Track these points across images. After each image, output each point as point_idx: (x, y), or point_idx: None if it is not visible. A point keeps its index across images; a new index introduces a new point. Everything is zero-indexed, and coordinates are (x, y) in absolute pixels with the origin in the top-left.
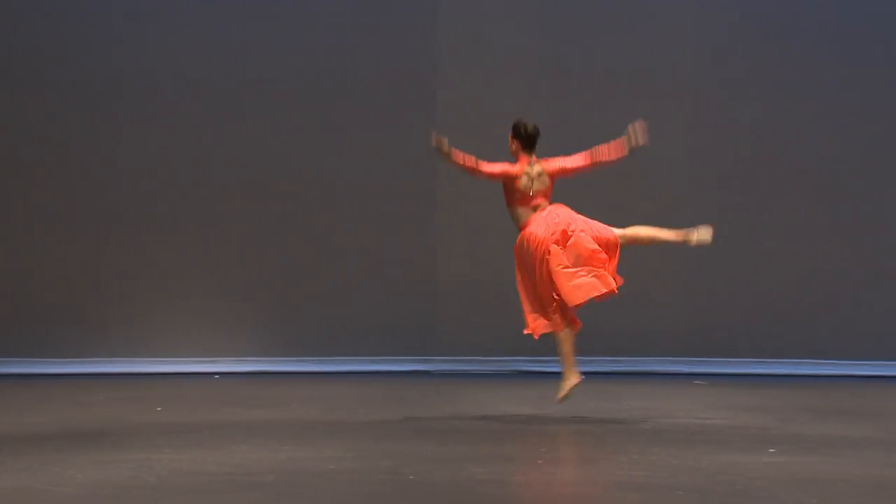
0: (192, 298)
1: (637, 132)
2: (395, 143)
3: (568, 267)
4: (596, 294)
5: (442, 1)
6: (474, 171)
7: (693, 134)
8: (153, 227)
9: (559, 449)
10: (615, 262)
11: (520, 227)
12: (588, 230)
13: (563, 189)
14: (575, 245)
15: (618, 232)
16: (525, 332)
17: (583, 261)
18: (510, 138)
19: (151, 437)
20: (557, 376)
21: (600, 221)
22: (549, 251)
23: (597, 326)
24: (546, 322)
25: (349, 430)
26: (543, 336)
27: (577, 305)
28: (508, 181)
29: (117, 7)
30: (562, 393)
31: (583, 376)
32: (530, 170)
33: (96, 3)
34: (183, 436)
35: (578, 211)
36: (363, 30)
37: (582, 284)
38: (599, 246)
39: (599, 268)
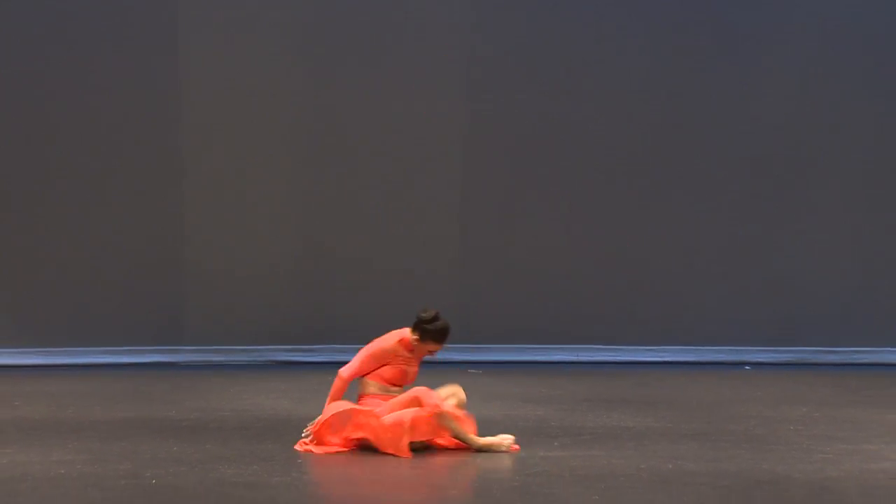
0: None
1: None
2: (142, 131)
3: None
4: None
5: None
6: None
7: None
8: None
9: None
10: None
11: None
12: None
13: None
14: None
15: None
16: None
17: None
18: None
19: None
20: (317, 366)
21: None
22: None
23: (353, 313)
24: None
25: (82, 430)
26: (310, 325)
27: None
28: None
29: None
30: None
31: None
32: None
33: None
34: None
35: None
36: (104, 23)
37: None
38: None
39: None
